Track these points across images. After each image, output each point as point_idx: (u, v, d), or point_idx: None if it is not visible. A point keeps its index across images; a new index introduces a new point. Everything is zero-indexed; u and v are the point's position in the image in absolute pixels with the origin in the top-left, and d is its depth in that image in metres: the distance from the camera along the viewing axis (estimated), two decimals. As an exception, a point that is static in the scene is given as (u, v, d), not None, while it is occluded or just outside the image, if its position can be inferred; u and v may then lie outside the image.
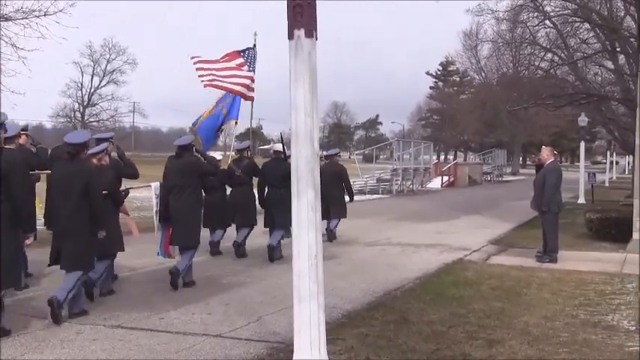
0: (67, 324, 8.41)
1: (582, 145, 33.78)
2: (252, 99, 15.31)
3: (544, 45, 33.69)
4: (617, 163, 66.81)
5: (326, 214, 15.86)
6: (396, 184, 40.19)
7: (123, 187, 10.63)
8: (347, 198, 17.27)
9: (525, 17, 32.26)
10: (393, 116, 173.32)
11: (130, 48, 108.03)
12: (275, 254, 13.53)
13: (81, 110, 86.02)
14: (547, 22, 31.56)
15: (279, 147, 14.05)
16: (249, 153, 14.49)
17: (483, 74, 72.08)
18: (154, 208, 11.23)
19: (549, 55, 33.84)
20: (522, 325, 8.38)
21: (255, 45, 15.61)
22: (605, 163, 69.22)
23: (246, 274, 11.98)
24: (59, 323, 8.39)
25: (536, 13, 31.28)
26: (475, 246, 15.96)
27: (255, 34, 15.71)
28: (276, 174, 13.35)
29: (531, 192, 14.08)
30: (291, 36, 5.34)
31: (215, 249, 14.20)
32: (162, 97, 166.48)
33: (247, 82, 15.10)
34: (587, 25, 30.07)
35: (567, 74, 33.90)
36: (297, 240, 5.44)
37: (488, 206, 29.05)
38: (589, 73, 33.65)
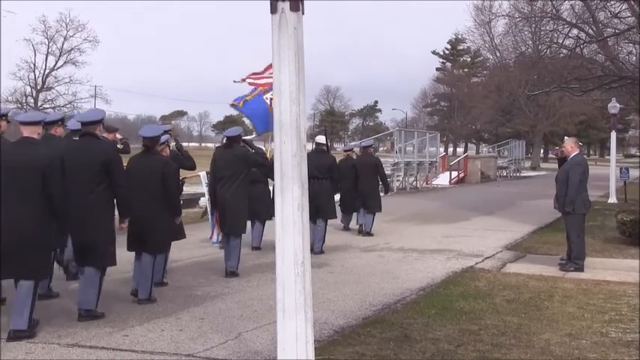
0: (14, 343, 8.36)
1: (613, 135, 33.83)
2: None
3: (569, 19, 33.74)
4: (653, 156, 66.90)
5: (357, 208, 19.29)
6: (398, 180, 40.25)
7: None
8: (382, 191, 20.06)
9: (547, -13, 32.33)
10: (394, 102, 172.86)
11: (90, 23, 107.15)
12: (317, 247, 15.46)
13: (34, 95, 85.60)
14: (572, -8, 31.60)
15: (321, 139, 17.00)
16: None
17: (498, 54, 72.27)
18: (206, 196, 13.83)
19: (575, 31, 33.88)
20: (543, 344, 8.40)
21: None
22: (640, 156, 69.41)
23: (224, 284, 11.99)
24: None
25: (559, -18, 31.36)
26: (488, 252, 16.02)
27: None
28: (319, 165, 15.64)
29: (553, 189, 14.11)
30: (274, 9, 5.32)
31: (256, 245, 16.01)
32: (126, 80, 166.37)
33: None
34: (619, -4, 30.07)
35: (596, 53, 33.99)
36: (280, 245, 5.44)
37: (503, 206, 29.11)
38: (621, 52, 33.75)
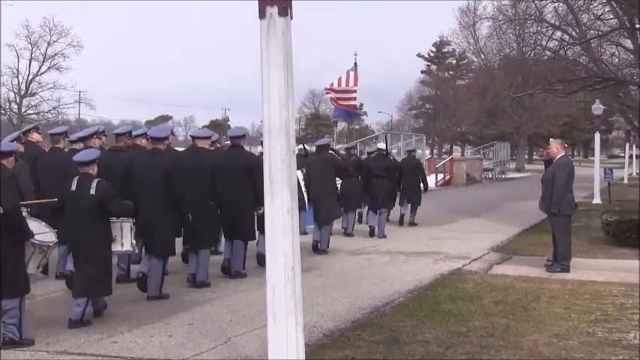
0: (3, 352, 8.32)
1: (597, 136, 33.96)
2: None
3: (552, 22, 33.85)
4: (637, 157, 66.82)
5: (401, 201, 22.61)
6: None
7: None
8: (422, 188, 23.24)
9: (530, -11, 32.38)
10: (379, 105, 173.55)
11: (74, 28, 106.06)
12: (380, 232, 19.35)
13: (17, 100, 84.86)
14: (555, -6, 31.67)
15: (382, 145, 21.03)
16: (355, 151, 20.98)
17: (483, 56, 72.64)
18: (303, 189, 16.51)
19: (558, 33, 34.03)
20: (531, 345, 8.44)
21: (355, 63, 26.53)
22: (624, 157, 69.56)
23: (211, 289, 11.96)
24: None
25: (542, -15, 31.42)
26: (475, 254, 16.07)
27: (356, 54, 25.88)
28: (380, 167, 19.54)
29: (539, 191, 14.16)
30: (262, 14, 5.32)
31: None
32: (111, 86, 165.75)
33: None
34: (601, -1, 30.18)
35: (579, 55, 34.07)
36: (270, 249, 5.44)
37: (489, 208, 29.14)
38: (604, 54, 33.85)
